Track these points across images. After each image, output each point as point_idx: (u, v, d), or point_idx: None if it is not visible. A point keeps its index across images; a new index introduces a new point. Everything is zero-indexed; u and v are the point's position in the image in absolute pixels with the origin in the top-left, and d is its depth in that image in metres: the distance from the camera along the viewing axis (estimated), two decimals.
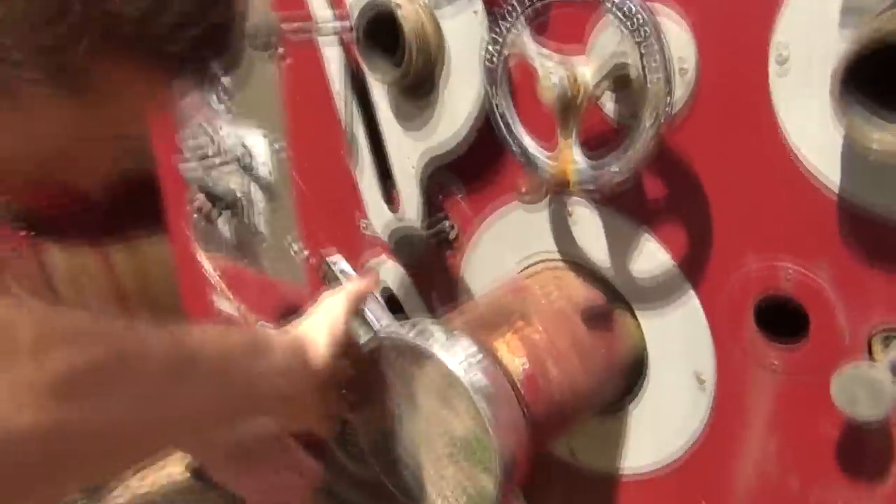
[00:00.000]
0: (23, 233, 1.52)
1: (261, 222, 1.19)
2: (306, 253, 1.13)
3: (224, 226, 1.26)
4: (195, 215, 1.29)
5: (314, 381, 0.66)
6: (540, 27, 0.66)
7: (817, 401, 0.66)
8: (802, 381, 0.67)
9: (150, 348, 0.50)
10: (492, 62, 0.69)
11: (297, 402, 0.66)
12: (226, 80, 1.13)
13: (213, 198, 1.21)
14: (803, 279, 0.64)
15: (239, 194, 1.19)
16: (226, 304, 1.36)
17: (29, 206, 1.49)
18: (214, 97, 1.15)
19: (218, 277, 1.35)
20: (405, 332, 0.67)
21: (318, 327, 0.68)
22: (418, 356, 0.65)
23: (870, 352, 0.62)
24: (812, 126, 0.59)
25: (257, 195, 1.17)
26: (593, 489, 0.88)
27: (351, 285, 0.74)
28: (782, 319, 0.68)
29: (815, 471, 0.69)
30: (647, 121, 0.59)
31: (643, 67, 0.58)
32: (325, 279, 0.79)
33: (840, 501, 0.68)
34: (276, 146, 1.10)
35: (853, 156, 0.58)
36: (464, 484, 0.66)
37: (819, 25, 0.57)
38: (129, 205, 1.63)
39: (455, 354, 0.65)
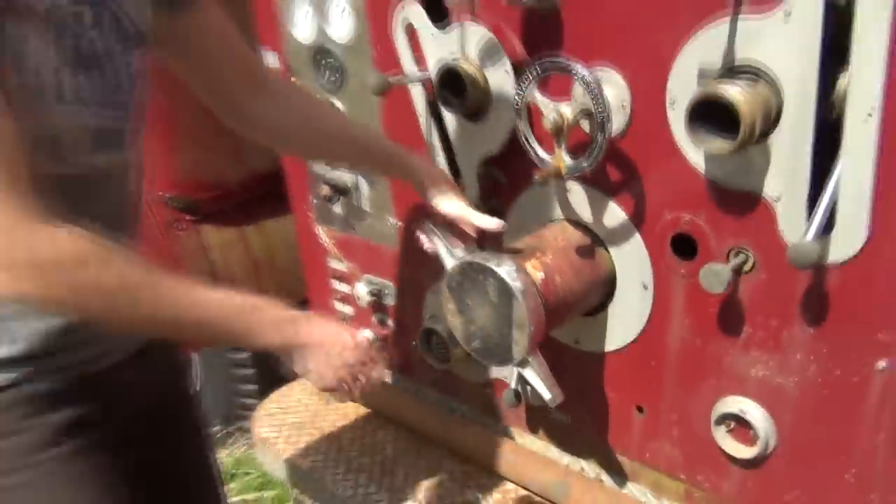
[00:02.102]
0: (188, 218, 2.09)
1: (366, 203, 1.73)
2: (399, 224, 1.67)
3: (338, 206, 1.80)
4: (316, 200, 1.85)
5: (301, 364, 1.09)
6: (543, 84, 1.18)
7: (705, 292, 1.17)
8: (697, 281, 1.18)
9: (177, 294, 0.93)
10: (517, 104, 1.21)
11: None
12: (340, 105, 1.67)
13: (333, 187, 1.75)
14: (693, 222, 1.15)
15: (350, 184, 1.73)
16: (338, 265, 1.90)
17: (193, 199, 2.07)
18: None
19: (332, 244, 1.89)
20: (478, 257, 1.20)
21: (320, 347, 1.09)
22: (485, 270, 1.18)
23: (727, 260, 1.13)
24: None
25: (363, 184, 1.71)
26: (588, 364, 1.40)
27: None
28: (684, 246, 1.19)
29: (707, 332, 1.20)
30: (599, 138, 1.11)
31: (595, 109, 1.10)
32: (427, 234, 1.31)
33: (724, 348, 1.19)
34: None
35: (708, 154, 1.09)
36: (511, 340, 1.19)
37: (686, 84, 1.07)
38: (260, 195, 2.21)
39: (505, 269, 1.17)
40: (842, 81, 0.96)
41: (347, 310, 1.92)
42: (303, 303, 2.11)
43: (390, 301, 1.78)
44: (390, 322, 1.82)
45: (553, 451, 1.55)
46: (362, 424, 1.82)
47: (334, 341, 1.11)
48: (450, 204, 1.30)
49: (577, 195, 1.29)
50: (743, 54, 1.02)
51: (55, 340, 0.97)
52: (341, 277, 1.90)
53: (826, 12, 0.94)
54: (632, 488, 1.43)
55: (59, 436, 1.00)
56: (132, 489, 1.07)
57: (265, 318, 1.03)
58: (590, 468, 1.50)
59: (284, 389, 1.99)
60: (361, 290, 1.80)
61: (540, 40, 1.23)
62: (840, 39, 0.94)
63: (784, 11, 0.96)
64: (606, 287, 1.31)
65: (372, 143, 1.37)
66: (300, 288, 2.12)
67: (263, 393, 2.10)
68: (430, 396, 1.78)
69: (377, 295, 1.79)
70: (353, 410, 1.88)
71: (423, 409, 1.75)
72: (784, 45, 0.98)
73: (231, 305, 1.00)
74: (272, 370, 2.42)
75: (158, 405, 1.19)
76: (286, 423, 1.86)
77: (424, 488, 1.61)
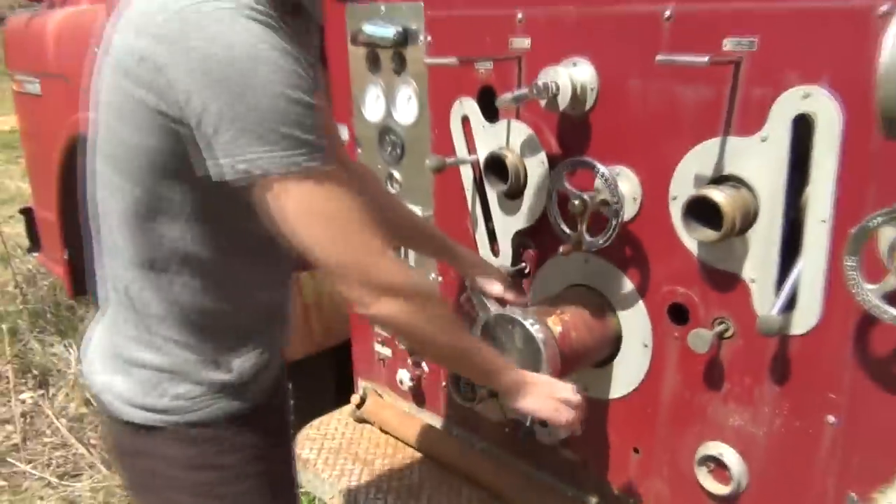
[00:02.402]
0: None
1: (412, 260, 2.01)
2: (440, 279, 1.95)
3: None
4: None
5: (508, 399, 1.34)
6: (571, 175, 1.47)
7: (693, 352, 1.43)
8: (687, 343, 1.44)
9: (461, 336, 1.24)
10: (550, 190, 1.50)
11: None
12: (399, 175, 1.97)
13: None
14: (686, 294, 1.42)
15: None
16: None
17: None
18: (391, 186, 1.98)
19: None
20: (509, 311, 1.47)
21: (537, 386, 1.34)
22: (513, 321, 1.45)
23: (712, 327, 1.39)
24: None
25: None
26: (595, 409, 1.65)
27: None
28: (678, 313, 1.45)
29: (694, 386, 1.45)
30: (613, 222, 1.39)
31: (611, 199, 1.38)
32: (469, 300, 1.60)
33: (707, 400, 1.44)
34: (427, 214, 1.92)
35: (699, 241, 1.36)
36: None
37: (685, 185, 1.36)
38: None
39: (530, 322, 1.44)
40: (806, 192, 1.24)
41: (386, 351, 2.18)
42: (346, 343, 2.39)
43: None
44: (424, 365, 2.08)
45: (560, 486, 1.79)
46: (392, 452, 2.07)
47: (553, 384, 1.36)
48: (490, 286, 1.59)
49: (594, 266, 1.56)
50: (729, 166, 1.30)
51: (251, 370, 1.24)
52: None
53: (793, 139, 1.22)
54: None
55: (267, 449, 1.27)
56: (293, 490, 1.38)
57: (501, 361, 1.32)
58: (592, 502, 1.74)
59: (323, 418, 2.25)
60: None
61: (571, 139, 1.53)
62: (805, 160, 1.22)
63: (761, 137, 1.25)
64: (613, 344, 1.58)
65: (432, 232, 1.66)
66: (344, 330, 2.39)
67: (301, 422, 2.35)
68: (455, 432, 2.03)
69: None
70: (384, 440, 2.13)
71: (448, 443, 1.99)
72: (761, 162, 1.26)
73: (485, 348, 1.31)
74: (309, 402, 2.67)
75: (286, 419, 1.46)
76: (324, 448, 2.11)
77: None
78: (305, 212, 1.01)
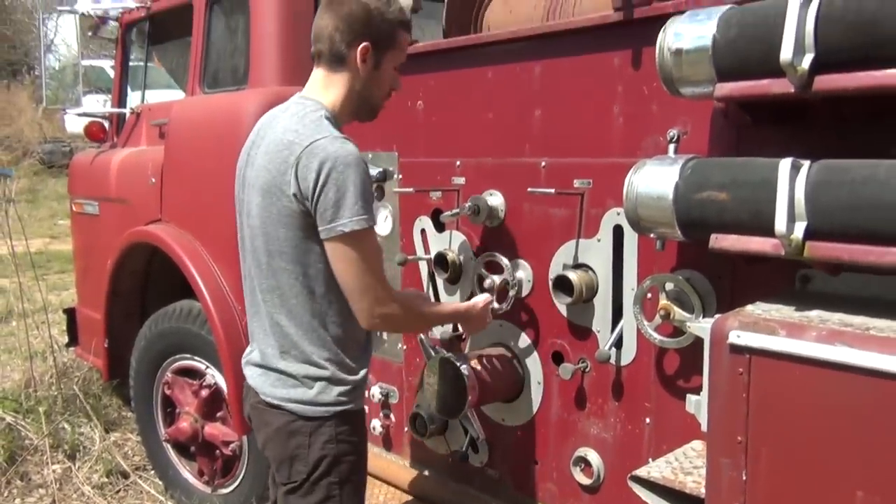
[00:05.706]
0: None
1: (385, 333, 2.72)
2: (405, 348, 2.66)
3: None
4: None
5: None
6: (488, 265, 2.23)
7: (567, 382, 2.13)
8: (568, 380, 2.13)
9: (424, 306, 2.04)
10: (473, 275, 2.25)
11: None
12: None
13: None
14: (561, 343, 2.14)
15: None
16: None
17: None
18: None
19: None
20: (445, 355, 2.18)
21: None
22: (448, 361, 2.16)
23: (577, 363, 2.10)
24: None
25: None
26: (510, 434, 2.31)
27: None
28: (557, 357, 2.16)
29: (570, 408, 2.14)
30: (511, 292, 2.13)
31: (512, 281, 2.13)
32: (422, 346, 2.31)
33: (578, 418, 2.12)
34: None
35: (564, 306, 2.09)
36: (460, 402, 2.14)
37: (556, 269, 2.11)
38: None
39: (459, 362, 2.15)
40: (623, 271, 2.00)
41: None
42: None
43: (394, 400, 2.72)
44: (392, 415, 2.74)
45: (484, 497, 2.42)
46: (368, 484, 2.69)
47: (474, 303, 2.13)
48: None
49: (505, 328, 2.29)
50: (581, 257, 2.06)
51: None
52: None
53: (614, 240, 1.99)
54: None
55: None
56: None
57: (448, 306, 2.16)
58: None
59: None
60: (375, 392, 2.74)
61: (489, 242, 2.30)
62: (621, 252, 1.98)
63: (597, 239, 2.02)
64: (519, 384, 2.27)
65: None
66: None
67: None
68: (413, 465, 2.67)
69: (385, 396, 2.74)
70: None
71: (406, 472, 2.62)
72: (598, 254, 2.03)
73: (436, 307, 2.11)
74: None
75: None
76: None
77: None
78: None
